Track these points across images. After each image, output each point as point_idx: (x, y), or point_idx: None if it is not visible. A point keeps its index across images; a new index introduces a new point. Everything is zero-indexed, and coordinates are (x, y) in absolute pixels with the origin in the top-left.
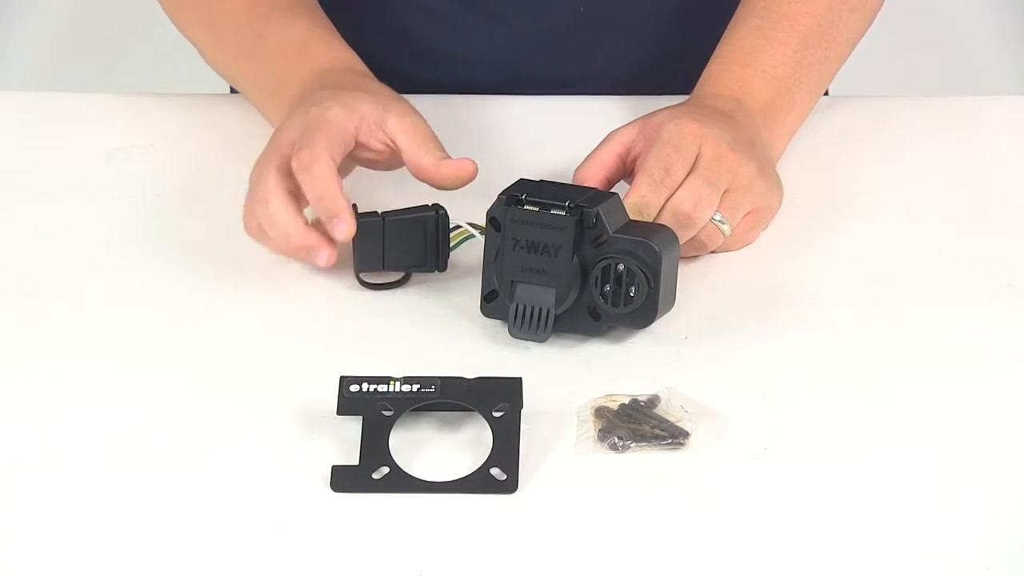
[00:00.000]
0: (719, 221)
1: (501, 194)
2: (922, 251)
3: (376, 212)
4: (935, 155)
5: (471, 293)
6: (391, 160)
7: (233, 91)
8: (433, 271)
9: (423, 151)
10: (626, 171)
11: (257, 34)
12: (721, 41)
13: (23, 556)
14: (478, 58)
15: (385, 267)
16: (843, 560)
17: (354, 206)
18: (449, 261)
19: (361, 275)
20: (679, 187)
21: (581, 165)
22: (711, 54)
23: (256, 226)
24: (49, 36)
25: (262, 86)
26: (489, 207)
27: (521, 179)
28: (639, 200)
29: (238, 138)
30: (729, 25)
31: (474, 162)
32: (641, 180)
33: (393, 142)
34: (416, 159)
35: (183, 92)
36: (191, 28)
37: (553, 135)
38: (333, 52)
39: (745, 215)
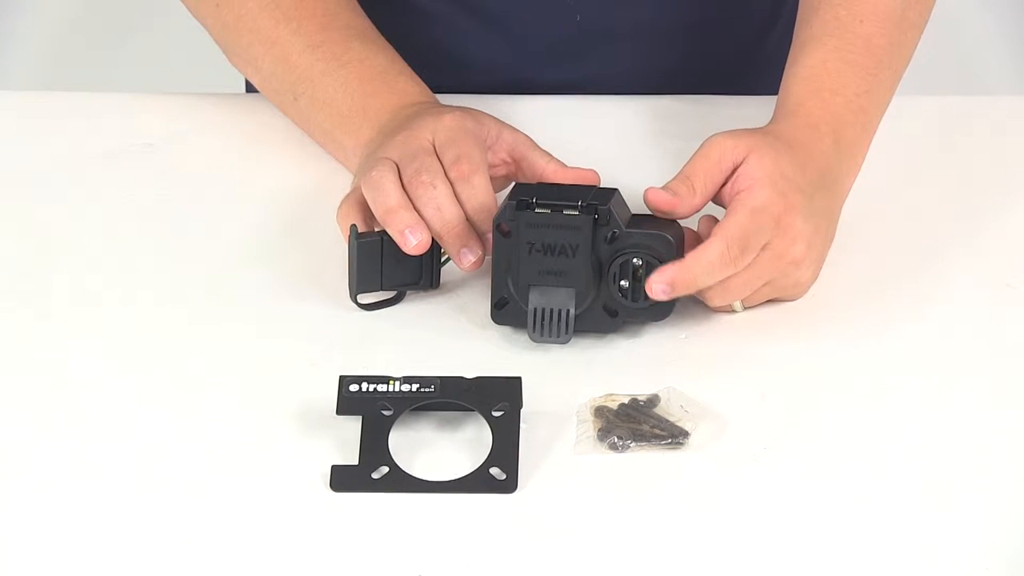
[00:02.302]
0: (736, 303)
1: (507, 199)
2: (922, 251)
3: (373, 230)
4: (935, 155)
5: (471, 292)
6: (506, 176)
7: (248, 92)
8: (427, 288)
9: (544, 159)
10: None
11: (333, 56)
12: (799, 59)
13: (23, 556)
14: (477, 63)
15: (383, 286)
16: (843, 560)
17: (353, 227)
18: (443, 267)
19: (359, 297)
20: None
21: (683, 182)
22: (707, 64)
23: (389, 195)
24: (49, 36)
25: (336, 107)
26: (496, 214)
27: (517, 183)
28: (708, 267)
29: (239, 138)
30: (799, 41)
31: (596, 172)
32: (717, 246)
33: (510, 155)
34: (540, 165)
35: (183, 92)
36: (245, 36)
37: (556, 135)
38: (419, 87)
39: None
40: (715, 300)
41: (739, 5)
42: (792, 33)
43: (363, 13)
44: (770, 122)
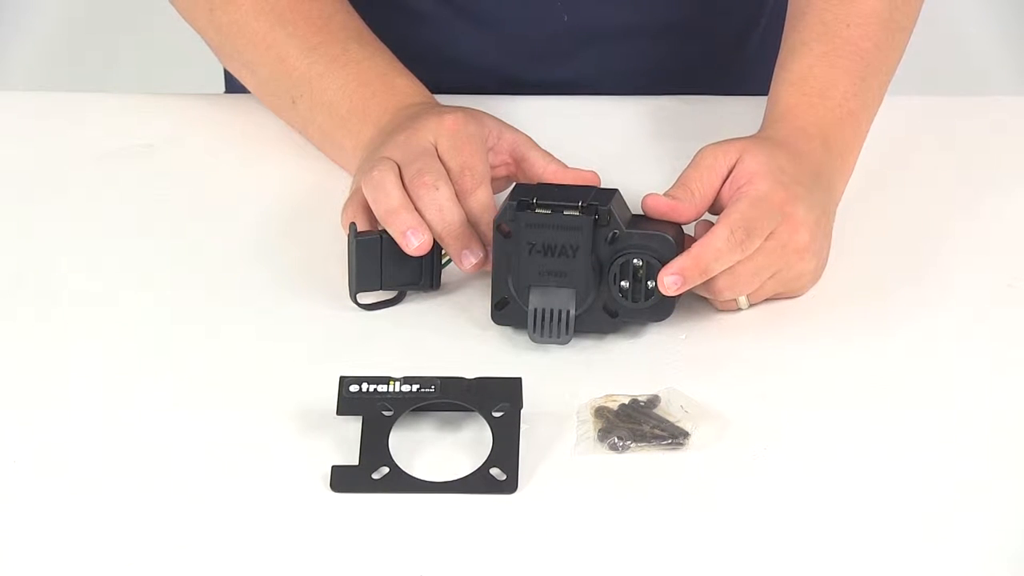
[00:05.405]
0: (741, 299)
1: (508, 200)
2: (922, 251)
3: (374, 230)
4: (935, 155)
5: (471, 292)
6: (507, 177)
7: (228, 91)
8: (428, 289)
9: (545, 160)
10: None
11: (331, 58)
12: (786, 65)
13: (23, 556)
14: (466, 62)
15: (382, 286)
16: (843, 560)
17: (352, 225)
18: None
19: (358, 296)
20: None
21: (681, 188)
22: (693, 63)
23: (391, 196)
24: (49, 36)
25: (335, 109)
26: (496, 215)
27: (517, 184)
28: (715, 253)
29: (237, 138)
30: (787, 47)
31: (596, 174)
32: (721, 232)
33: (511, 156)
34: (540, 166)
35: (183, 92)
36: (240, 40)
37: (554, 135)
38: (418, 87)
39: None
40: (724, 293)
41: (722, 4)
42: (775, 32)
43: (357, 15)
44: (760, 129)
